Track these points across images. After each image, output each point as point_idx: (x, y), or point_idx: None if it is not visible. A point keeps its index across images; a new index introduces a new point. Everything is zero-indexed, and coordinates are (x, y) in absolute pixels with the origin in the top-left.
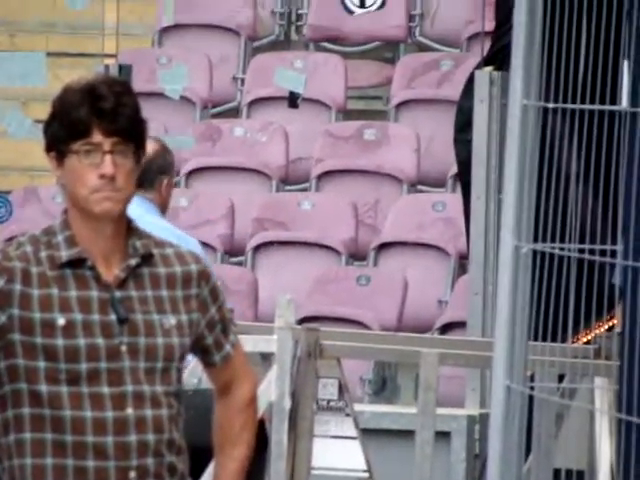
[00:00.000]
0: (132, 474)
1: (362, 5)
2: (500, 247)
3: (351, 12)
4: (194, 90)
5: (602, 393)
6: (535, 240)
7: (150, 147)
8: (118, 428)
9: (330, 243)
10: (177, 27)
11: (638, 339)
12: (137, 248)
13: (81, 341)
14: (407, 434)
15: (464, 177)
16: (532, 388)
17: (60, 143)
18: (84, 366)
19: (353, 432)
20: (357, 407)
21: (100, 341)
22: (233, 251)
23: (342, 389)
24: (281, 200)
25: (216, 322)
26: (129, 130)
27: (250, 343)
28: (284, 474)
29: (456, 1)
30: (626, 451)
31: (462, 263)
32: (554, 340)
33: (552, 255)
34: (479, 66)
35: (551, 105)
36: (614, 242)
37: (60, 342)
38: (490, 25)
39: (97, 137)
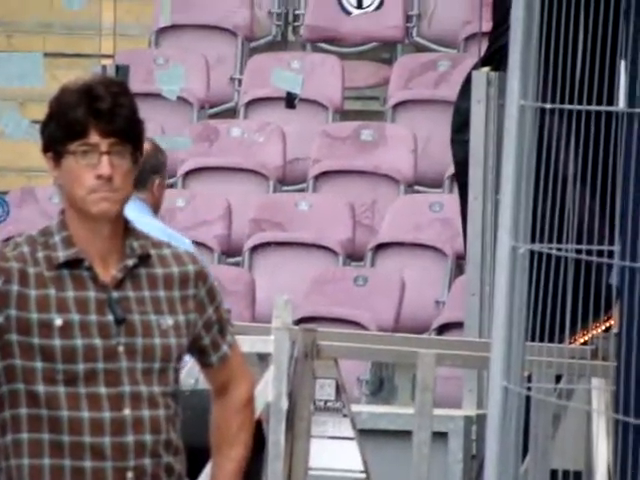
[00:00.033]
0: (129, 474)
1: (359, 6)
2: (497, 247)
3: (348, 13)
4: (191, 91)
5: (599, 394)
6: (532, 240)
7: None
8: (115, 429)
9: (327, 244)
10: (174, 27)
11: (635, 340)
12: (134, 249)
13: (78, 342)
14: (404, 435)
15: (461, 178)
16: (529, 389)
17: (57, 144)
18: (81, 367)
19: (350, 433)
20: (354, 408)
21: (97, 342)
22: (230, 252)
23: (339, 390)
24: (278, 201)
25: (213, 323)
26: (126, 131)
27: (247, 344)
28: (281, 475)
29: (453, 2)
30: (623, 452)
31: (459, 264)
32: (551, 341)
33: (549, 256)
34: (476, 67)
35: (548, 105)
36: (611, 242)
37: (57, 342)
38: (487, 26)
39: (94, 138)
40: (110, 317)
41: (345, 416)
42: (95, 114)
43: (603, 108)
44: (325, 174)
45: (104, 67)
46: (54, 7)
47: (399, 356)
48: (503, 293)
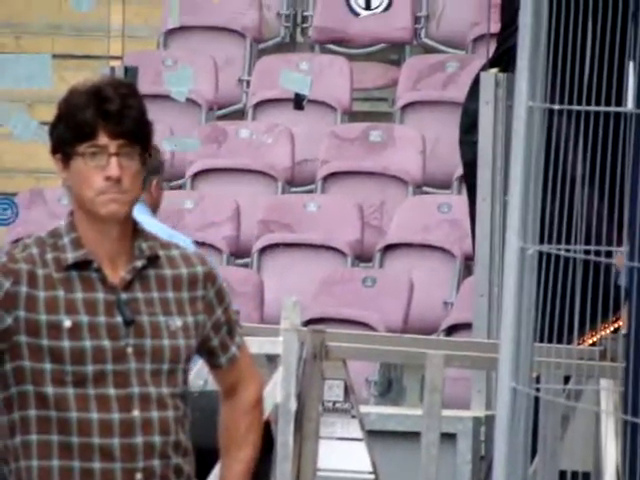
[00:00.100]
0: (138, 476)
1: (368, 7)
2: (506, 249)
3: (357, 14)
4: (200, 92)
5: (608, 395)
6: (541, 242)
7: None
8: (124, 430)
9: (336, 245)
10: (182, 29)
11: None
12: (143, 250)
13: (87, 343)
14: (413, 436)
15: (469, 179)
16: (538, 390)
17: (66, 145)
18: (90, 368)
19: (359, 434)
20: (363, 409)
21: (106, 343)
22: (239, 253)
23: (348, 391)
24: (287, 202)
25: (222, 324)
26: (135, 132)
27: (256, 345)
28: (290, 476)
29: (462, 3)
30: (632, 453)
31: (468, 265)
32: (560, 342)
33: (558, 257)
34: (484, 68)
35: (557, 107)
36: (620, 243)
37: (66, 344)
38: (495, 27)
39: (103, 139)
40: (119, 318)
41: (354, 417)
42: (104, 115)
43: (612, 109)
44: (333, 175)
45: (113, 69)
46: (63, 9)
47: (407, 357)
48: (511, 294)
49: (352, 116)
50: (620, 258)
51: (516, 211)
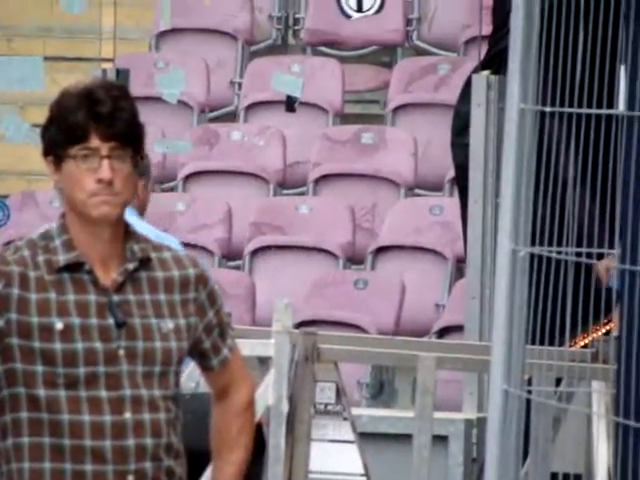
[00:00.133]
0: (130, 478)
1: (359, 9)
2: (497, 251)
3: (348, 16)
4: (191, 94)
5: (599, 397)
6: (532, 244)
7: None
8: (116, 432)
9: (328, 247)
10: (174, 31)
11: (635, 343)
12: (135, 252)
13: (79, 345)
14: (404, 438)
15: (461, 181)
16: (529, 392)
17: (57, 147)
18: (82, 370)
19: (351, 436)
20: (355, 411)
21: (98, 345)
22: (230, 255)
23: (340, 393)
24: (278, 204)
25: (214, 326)
26: (127, 135)
27: (248, 347)
28: (282, 478)
29: (453, 5)
30: (623, 455)
31: (459, 267)
32: (551, 344)
33: (549, 259)
34: (476, 70)
35: (548, 109)
36: (611, 246)
37: (58, 346)
38: (487, 29)
39: (95, 142)
40: (111, 321)
41: (345, 419)
42: (95, 118)
43: (603, 111)
44: (325, 177)
45: (104, 71)
46: (54, 11)
47: (399, 359)
48: (503, 296)
49: (344, 118)
50: (610, 260)
51: (508, 213)
